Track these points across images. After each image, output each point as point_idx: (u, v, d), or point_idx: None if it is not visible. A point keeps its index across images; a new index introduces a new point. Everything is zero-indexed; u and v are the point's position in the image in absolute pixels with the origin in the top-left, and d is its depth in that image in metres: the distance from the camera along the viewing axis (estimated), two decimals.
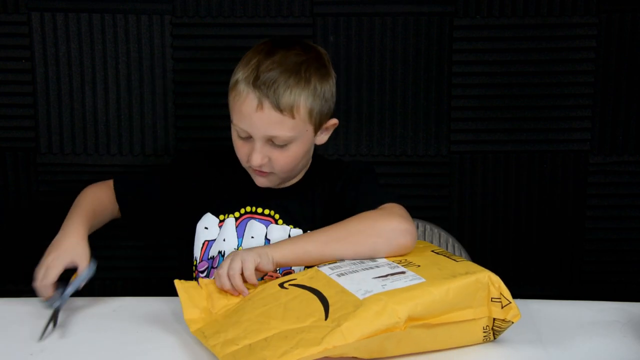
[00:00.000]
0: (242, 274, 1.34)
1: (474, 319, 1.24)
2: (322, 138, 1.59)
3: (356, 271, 1.32)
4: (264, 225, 1.58)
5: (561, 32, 1.96)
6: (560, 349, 1.26)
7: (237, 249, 1.56)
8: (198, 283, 1.37)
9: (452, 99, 2.00)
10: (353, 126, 2.00)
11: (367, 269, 1.32)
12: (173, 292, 1.46)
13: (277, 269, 1.43)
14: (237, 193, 1.60)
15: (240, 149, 1.54)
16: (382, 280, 1.27)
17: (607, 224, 2.05)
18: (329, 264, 1.36)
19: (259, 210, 1.59)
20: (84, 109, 2.01)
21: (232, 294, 1.35)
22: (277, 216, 1.58)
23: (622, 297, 1.57)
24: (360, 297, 1.22)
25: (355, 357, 1.21)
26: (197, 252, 1.61)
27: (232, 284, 1.33)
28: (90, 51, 1.98)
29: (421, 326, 1.21)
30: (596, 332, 1.32)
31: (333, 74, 1.58)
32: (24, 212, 2.06)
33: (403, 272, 1.28)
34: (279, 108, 1.46)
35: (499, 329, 1.25)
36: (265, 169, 1.53)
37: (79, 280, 1.45)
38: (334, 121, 1.59)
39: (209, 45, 1.99)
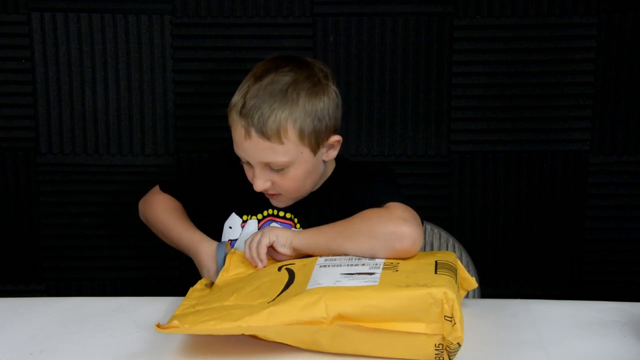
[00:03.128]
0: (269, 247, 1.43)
1: (426, 334, 1.19)
2: (330, 154, 1.56)
3: (339, 265, 1.33)
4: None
5: (561, 32, 1.96)
6: (560, 349, 1.26)
7: None
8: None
9: (452, 99, 2.00)
10: (353, 126, 2.00)
11: (350, 264, 1.33)
12: (173, 292, 1.46)
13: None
14: (260, 195, 1.59)
15: (247, 174, 1.55)
16: (345, 277, 1.27)
17: (607, 224, 2.05)
18: (332, 255, 1.40)
19: (281, 213, 1.59)
20: (84, 109, 2.01)
21: (251, 264, 1.42)
22: (295, 220, 1.58)
23: (622, 297, 1.56)
24: (307, 288, 1.24)
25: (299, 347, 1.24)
26: None
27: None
28: (90, 51, 1.98)
29: (354, 327, 1.19)
30: (596, 332, 1.32)
31: (332, 89, 1.52)
32: (24, 212, 2.06)
33: (371, 274, 1.28)
34: (265, 135, 1.45)
35: (448, 349, 1.20)
36: (271, 192, 1.54)
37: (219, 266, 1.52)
38: (337, 138, 1.54)
39: (209, 45, 1.99)
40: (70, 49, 1.98)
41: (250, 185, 1.58)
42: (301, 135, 1.47)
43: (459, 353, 1.24)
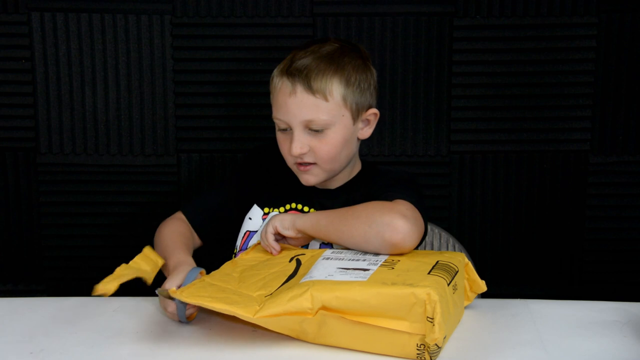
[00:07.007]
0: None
1: (409, 333, 1.19)
2: (366, 132, 1.58)
3: (340, 259, 1.34)
4: None
5: (561, 32, 1.96)
6: (560, 349, 1.26)
7: None
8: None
9: (452, 99, 2.00)
10: None
11: (351, 259, 1.34)
12: None
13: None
14: (283, 189, 1.61)
15: (283, 144, 1.55)
16: (338, 271, 1.28)
17: (607, 224, 2.05)
18: (341, 249, 1.41)
19: (305, 209, 1.60)
20: (84, 109, 2.01)
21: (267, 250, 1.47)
22: None
23: (622, 297, 1.57)
24: (301, 281, 1.26)
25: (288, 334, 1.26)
26: (238, 242, 1.62)
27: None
28: (90, 51, 1.98)
29: (337, 318, 1.20)
30: (596, 332, 1.32)
31: (372, 69, 1.58)
32: (24, 212, 2.06)
33: (365, 270, 1.28)
34: (311, 90, 1.48)
35: (429, 350, 1.19)
36: (307, 159, 1.53)
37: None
38: (374, 111, 1.57)
39: (209, 45, 1.99)
40: (70, 49, 1.98)
41: (276, 179, 1.60)
42: (344, 97, 1.51)
43: (459, 353, 1.24)
